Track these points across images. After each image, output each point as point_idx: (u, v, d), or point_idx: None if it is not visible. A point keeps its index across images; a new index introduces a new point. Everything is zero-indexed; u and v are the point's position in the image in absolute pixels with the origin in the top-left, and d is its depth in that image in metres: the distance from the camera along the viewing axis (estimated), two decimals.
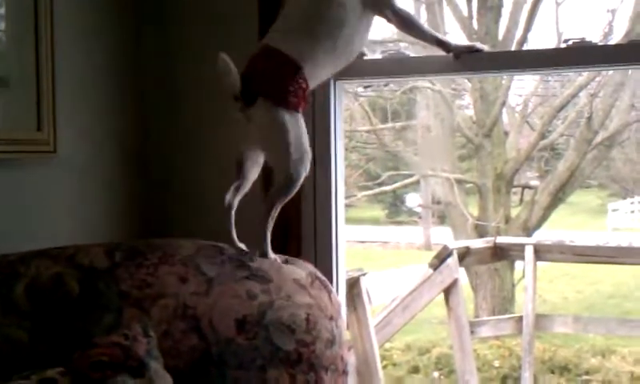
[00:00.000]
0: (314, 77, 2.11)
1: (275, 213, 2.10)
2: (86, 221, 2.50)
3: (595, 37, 8.25)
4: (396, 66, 2.45)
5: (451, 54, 2.25)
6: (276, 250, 2.20)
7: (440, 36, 2.23)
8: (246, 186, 2.18)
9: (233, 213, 2.17)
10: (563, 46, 2.33)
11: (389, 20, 2.19)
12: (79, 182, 2.48)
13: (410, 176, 10.41)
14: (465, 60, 2.28)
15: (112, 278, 1.86)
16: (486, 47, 2.28)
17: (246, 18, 2.48)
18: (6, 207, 2.24)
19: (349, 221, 2.67)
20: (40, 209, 2.34)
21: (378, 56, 2.49)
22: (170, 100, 2.70)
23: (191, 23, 2.68)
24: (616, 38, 8.35)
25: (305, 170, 2.08)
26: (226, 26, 2.59)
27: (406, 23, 2.21)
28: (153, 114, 2.72)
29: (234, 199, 2.17)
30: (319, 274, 2.18)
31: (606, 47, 2.72)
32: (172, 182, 2.69)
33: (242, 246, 2.15)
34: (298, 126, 2.06)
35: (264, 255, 2.10)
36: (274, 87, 2.04)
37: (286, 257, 2.20)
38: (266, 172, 2.21)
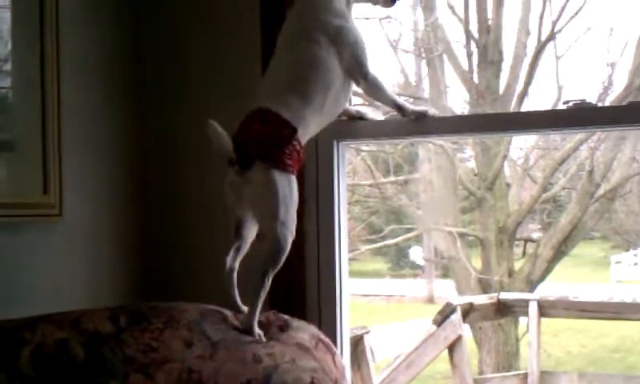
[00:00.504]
0: (304, 137, 2.15)
1: (268, 282, 2.07)
2: (90, 283, 2.51)
3: (595, 90, 8.32)
4: (396, 128, 2.49)
5: (451, 114, 2.30)
6: (279, 310, 2.21)
7: (399, 101, 2.34)
8: (246, 247, 2.19)
9: (234, 276, 2.17)
10: (564, 107, 2.35)
11: (359, 84, 2.25)
12: (84, 245, 2.50)
13: (413, 229, 10.42)
14: (462, 122, 2.33)
15: (117, 343, 1.86)
16: (437, 112, 2.38)
17: (248, 72, 2.53)
18: (11, 270, 2.26)
19: (352, 274, 2.68)
20: (45, 272, 2.35)
21: (380, 117, 2.52)
22: (172, 162, 2.73)
23: (193, 87, 2.73)
24: (616, 92, 8.40)
25: (291, 234, 2.08)
26: (228, 90, 2.64)
27: (375, 91, 2.29)
28: (156, 177, 2.75)
29: (235, 262, 2.17)
30: (323, 337, 2.18)
31: (603, 109, 2.74)
32: (175, 243, 2.71)
33: (245, 308, 2.14)
34: (289, 189, 2.08)
35: (248, 329, 2.05)
36: (271, 150, 2.06)
37: (287, 318, 2.19)
38: None
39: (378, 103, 2.35)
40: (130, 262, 2.67)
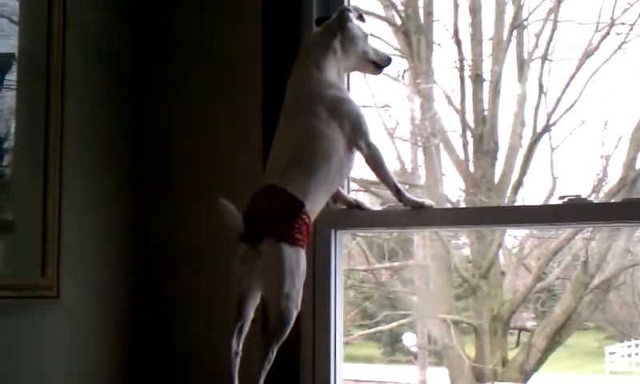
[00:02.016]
0: (313, 210, 2.20)
1: (272, 355, 2.13)
2: (86, 366, 2.51)
3: (590, 182, 8.38)
4: (392, 218, 2.54)
5: (447, 205, 2.36)
6: None
7: (399, 186, 2.39)
8: (246, 327, 2.23)
9: (238, 360, 2.19)
10: (559, 202, 2.40)
11: (361, 151, 2.31)
12: (80, 327, 2.51)
13: (407, 316, 10.37)
14: (457, 214, 2.38)
15: None
16: (433, 204, 2.44)
17: (250, 147, 2.58)
18: (9, 350, 2.26)
19: (344, 359, 2.70)
20: (41, 353, 2.36)
21: (377, 207, 2.58)
22: (171, 252, 2.76)
23: (190, 183, 2.77)
24: (610, 184, 8.45)
25: (296, 308, 2.14)
26: (228, 163, 2.68)
27: (375, 160, 2.36)
28: (153, 260, 2.77)
29: (239, 346, 2.20)
30: None
31: (597, 205, 2.79)
32: (171, 332, 2.72)
33: None
34: (297, 263, 2.14)
35: None
36: (280, 225, 2.12)
37: None
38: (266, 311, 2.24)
39: (376, 191, 2.40)
40: (126, 345, 2.68)
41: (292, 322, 2.16)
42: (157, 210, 2.77)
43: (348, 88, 2.67)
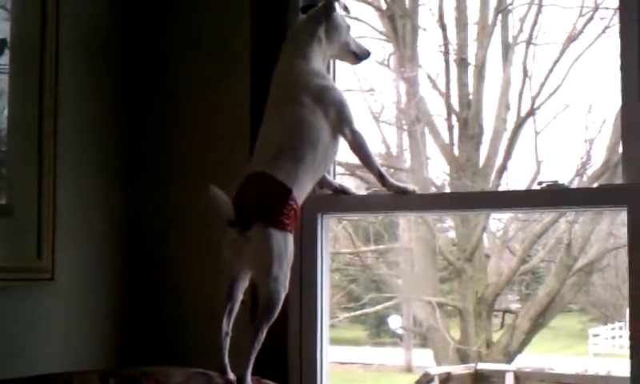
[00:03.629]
0: (300, 196, 2.27)
1: (262, 336, 2.19)
2: (80, 346, 2.58)
3: (573, 166, 8.44)
4: (377, 203, 2.58)
5: (431, 189, 2.43)
6: (262, 374, 2.29)
7: (383, 171, 2.45)
8: (236, 308, 2.30)
9: (228, 340, 2.26)
10: (537, 187, 2.47)
11: (346, 138, 2.38)
12: (74, 308, 2.58)
13: (392, 298, 10.43)
14: (440, 199, 2.43)
15: None
16: (417, 189, 2.50)
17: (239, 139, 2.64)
18: (4, 331, 2.33)
19: (330, 341, 2.77)
20: (36, 334, 2.42)
21: (362, 192, 2.62)
22: (163, 229, 2.82)
23: (184, 162, 2.83)
24: (594, 167, 8.51)
25: (284, 290, 2.21)
26: (218, 149, 2.75)
27: (359, 146, 2.43)
28: (146, 243, 2.83)
29: (229, 327, 2.26)
30: None
31: (575, 190, 2.87)
32: (164, 308, 2.78)
33: (232, 376, 2.22)
34: (285, 247, 2.21)
35: (242, 379, 2.17)
36: (268, 211, 2.19)
37: (269, 383, 2.29)
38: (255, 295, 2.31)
39: (361, 175, 2.47)
40: (119, 326, 2.74)
41: (280, 304, 2.22)
42: (149, 192, 2.83)
43: (334, 72, 2.74)
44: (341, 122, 2.35)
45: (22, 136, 2.42)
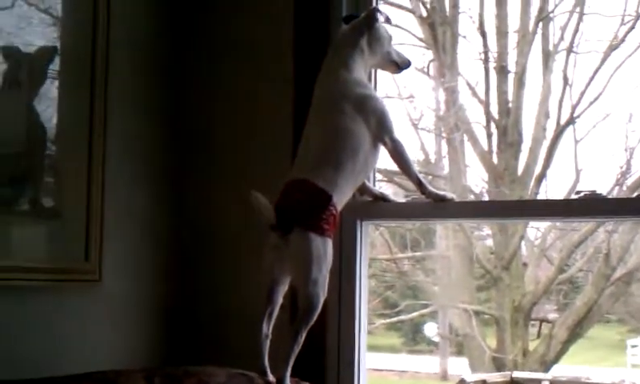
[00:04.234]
0: (340, 202, 2.31)
1: (301, 339, 2.22)
2: (124, 346, 2.65)
3: (613, 175, 8.39)
4: (415, 210, 2.60)
5: (470, 196, 2.46)
6: (301, 377, 2.33)
7: (422, 178, 2.47)
8: (276, 311, 2.34)
9: (267, 342, 2.30)
10: (575, 197, 2.48)
11: (386, 146, 2.42)
12: (120, 309, 2.64)
13: (429, 305, 10.41)
14: (479, 207, 2.46)
15: None
16: (455, 197, 2.52)
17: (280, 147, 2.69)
18: (53, 330, 2.40)
19: (366, 348, 2.80)
20: (83, 333, 2.49)
21: (401, 199, 2.64)
22: (206, 234, 2.87)
23: (225, 172, 2.88)
24: (633, 177, 8.45)
25: (323, 293, 2.24)
26: (260, 155, 2.80)
27: (399, 154, 2.46)
28: (189, 245, 2.89)
29: (269, 329, 2.30)
30: None
31: (611, 200, 2.88)
32: (206, 311, 2.84)
33: (272, 378, 2.26)
34: (325, 251, 2.25)
35: (282, 380, 2.21)
36: (309, 216, 2.23)
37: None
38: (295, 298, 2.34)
39: (400, 182, 2.49)
40: (163, 326, 2.80)
41: (319, 307, 2.26)
42: (193, 195, 2.89)
43: (375, 80, 2.77)
44: (381, 131, 2.39)
45: (72, 139, 2.49)
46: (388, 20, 2.56)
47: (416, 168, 2.52)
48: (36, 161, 2.41)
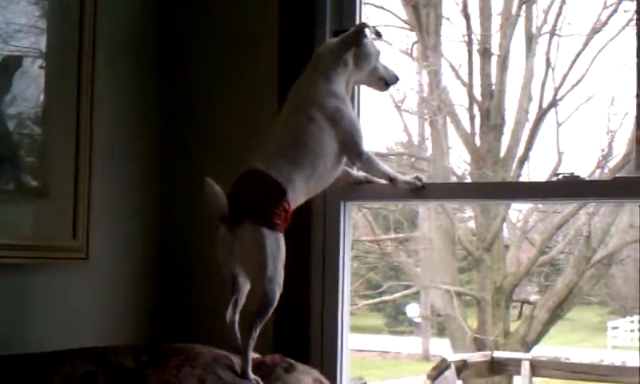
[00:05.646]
0: (294, 199, 2.28)
1: (256, 333, 2.18)
2: (110, 322, 2.68)
3: (595, 158, 8.45)
4: (399, 191, 2.60)
5: (455, 180, 2.47)
6: (285, 354, 2.35)
7: (391, 173, 2.47)
8: (243, 298, 2.29)
9: (236, 327, 2.29)
10: (554, 179, 2.53)
11: (353, 163, 2.41)
12: (106, 286, 2.67)
13: (411, 286, 10.46)
14: (460, 189, 2.48)
15: (139, 378, 2.03)
16: (424, 179, 2.51)
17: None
18: (40, 307, 2.43)
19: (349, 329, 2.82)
20: (71, 309, 2.52)
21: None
22: (191, 214, 2.90)
23: (212, 151, 2.90)
24: (615, 159, 8.52)
25: (279, 289, 2.19)
26: (239, 139, 2.83)
27: (368, 166, 2.44)
28: (175, 223, 2.92)
29: (235, 316, 2.28)
30: (324, 380, 2.32)
31: (590, 183, 2.91)
32: (191, 288, 2.87)
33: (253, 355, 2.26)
34: (277, 246, 2.19)
35: (244, 375, 2.17)
36: (261, 209, 2.19)
37: (292, 361, 2.32)
38: None
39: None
40: (150, 304, 2.83)
41: (275, 303, 2.18)
42: (180, 176, 2.91)
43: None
44: (350, 146, 2.34)
45: (59, 119, 2.50)
46: (378, 34, 2.51)
47: (384, 166, 2.48)
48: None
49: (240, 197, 2.19)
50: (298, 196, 2.28)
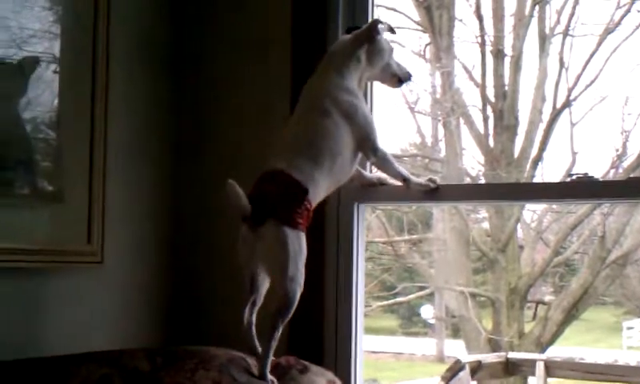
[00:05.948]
0: (314, 199, 2.29)
1: (278, 333, 2.18)
2: (125, 326, 2.69)
3: (609, 158, 8.43)
4: (412, 193, 2.60)
5: (469, 181, 2.46)
6: (299, 355, 2.36)
7: (405, 173, 2.47)
8: (261, 299, 2.30)
9: (253, 328, 2.29)
10: (568, 179, 2.52)
11: (368, 158, 2.41)
12: (122, 290, 2.68)
13: (425, 288, 10.45)
14: (474, 190, 2.47)
15: (154, 380, 2.04)
16: (438, 180, 2.51)
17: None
18: (56, 311, 2.44)
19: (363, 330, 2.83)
20: (85, 313, 2.54)
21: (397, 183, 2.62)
22: (205, 218, 2.91)
23: (224, 158, 2.91)
24: (629, 159, 8.49)
25: (299, 288, 2.19)
26: (253, 140, 2.83)
27: (384, 164, 2.44)
28: (188, 225, 2.93)
29: (252, 316, 2.29)
30: (338, 382, 2.33)
31: (604, 183, 2.91)
32: (204, 293, 2.88)
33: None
34: (299, 246, 2.21)
35: (262, 376, 2.17)
36: (283, 209, 2.20)
37: (306, 363, 2.32)
38: None
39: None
40: (165, 307, 2.85)
41: (296, 302, 2.19)
42: (193, 180, 2.91)
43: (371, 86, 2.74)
44: (365, 141, 2.35)
45: (74, 124, 2.51)
46: (391, 30, 2.51)
47: (399, 166, 2.49)
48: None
49: (262, 197, 2.20)
50: (318, 194, 2.30)
